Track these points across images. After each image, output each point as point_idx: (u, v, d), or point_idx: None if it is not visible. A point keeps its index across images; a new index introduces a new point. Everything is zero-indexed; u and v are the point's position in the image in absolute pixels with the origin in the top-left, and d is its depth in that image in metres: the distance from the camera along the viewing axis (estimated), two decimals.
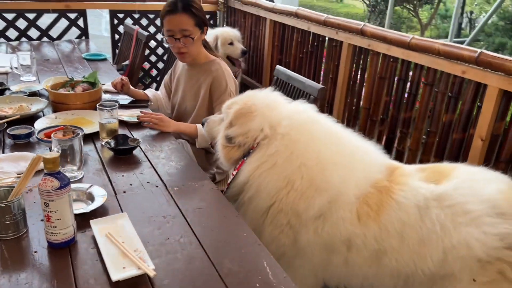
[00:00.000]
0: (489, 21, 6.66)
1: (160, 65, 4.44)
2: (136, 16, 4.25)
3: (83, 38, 4.13)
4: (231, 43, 3.64)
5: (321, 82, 3.25)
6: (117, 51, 4.16)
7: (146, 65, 4.51)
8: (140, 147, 1.84)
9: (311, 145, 1.64)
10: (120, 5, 4.19)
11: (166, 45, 2.19)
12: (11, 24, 3.88)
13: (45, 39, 4.01)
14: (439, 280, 1.48)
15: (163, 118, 2.02)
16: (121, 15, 4.22)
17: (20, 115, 1.99)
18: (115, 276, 1.07)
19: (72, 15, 4.06)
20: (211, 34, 3.75)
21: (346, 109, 3.02)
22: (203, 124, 1.89)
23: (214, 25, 4.62)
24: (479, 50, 2.00)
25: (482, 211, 1.42)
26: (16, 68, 2.68)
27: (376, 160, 1.71)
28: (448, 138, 2.29)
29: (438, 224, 1.46)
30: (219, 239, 1.27)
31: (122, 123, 2.08)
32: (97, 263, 1.15)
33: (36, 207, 1.35)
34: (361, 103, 2.88)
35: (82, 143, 1.57)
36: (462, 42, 5.65)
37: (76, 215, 1.32)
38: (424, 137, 2.43)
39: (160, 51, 4.44)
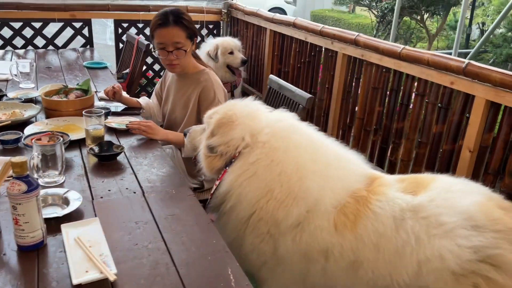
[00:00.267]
0: (498, 32, 6.60)
1: (163, 73, 4.49)
2: (140, 25, 4.32)
3: (88, 46, 4.21)
4: (231, 52, 3.68)
5: (318, 92, 3.25)
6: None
7: (150, 73, 4.57)
8: (125, 153, 1.87)
9: (291, 153, 1.65)
10: (124, 14, 4.27)
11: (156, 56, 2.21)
12: (17, 32, 3.98)
13: (50, 47, 4.10)
14: None
15: (152, 126, 2.04)
16: (125, 25, 4.29)
17: (11, 121, 2.04)
18: (76, 279, 1.08)
19: (77, 24, 4.14)
20: (211, 43, 3.80)
21: (341, 119, 3.02)
22: (185, 134, 1.91)
23: (217, 35, 4.67)
24: (466, 61, 1.99)
25: (456, 223, 1.40)
26: (15, 75, 2.74)
27: (356, 169, 1.70)
28: (438, 149, 2.27)
29: (413, 236, 1.45)
30: (187, 246, 1.28)
31: (111, 130, 2.12)
32: (62, 267, 1.16)
33: None
34: (356, 113, 2.87)
35: (63, 149, 1.59)
36: (468, 54, 5.60)
37: (50, 219, 1.35)
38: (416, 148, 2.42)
39: None
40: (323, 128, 3.22)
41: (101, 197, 1.52)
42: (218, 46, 3.69)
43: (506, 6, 5.69)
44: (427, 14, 8.59)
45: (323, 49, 3.11)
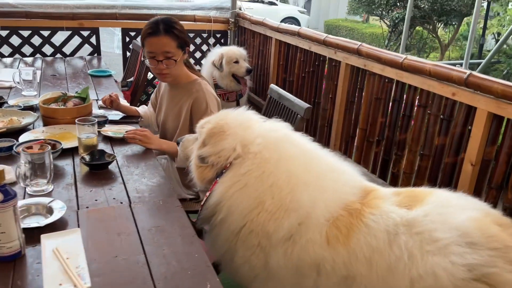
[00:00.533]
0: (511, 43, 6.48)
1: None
2: None
3: (95, 55, 4.25)
4: (236, 62, 3.67)
5: (321, 102, 3.21)
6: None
7: (158, 82, 4.57)
8: (117, 162, 1.85)
9: (282, 164, 1.61)
10: (132, 23, 4.29)
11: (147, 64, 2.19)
12: (26, 41, 4.03)
13: (58, 55, 4.14)
14: None
15: (148, 135, 2.02)
16: (132, 33, 4.32)
17: (7, 128, 2.04)
18: None
19: (85, 33, 4.18)
20: (217, 53, 3.80)
21: (344, 130, 2.97)
22: (178, 143, 1.88)
23: (225, 44, 4.67)
24: (468, 72, 1.94)
25: (451, 239, 1.34)
26: (18, 82, 2.76)
27: (350, 181, 1.65)
28: (441, 162, 2.21)
29: (406, 252, 1.39)
30: (168, 260, 1.25)
31: (107, 138, 2.10)
32: (37, 279, 1.14)
33: None
34: (358, 123, 2.82)
35: (51, 158, 1.58)
36: (480, 64, 5.51)
37: (31, 229, 1.33)
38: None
39: None
40: (327, 139, 3.17)
41: (87, 207, 1.50)
42: (223, 55, 3.68)
43: None
44: (439, 24, 8.49)
45: (327, 59, 3.07)
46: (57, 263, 1.17)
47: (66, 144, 1.93)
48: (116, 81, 3.48)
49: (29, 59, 3.83)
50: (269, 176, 1.59)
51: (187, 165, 2.04)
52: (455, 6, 7.73)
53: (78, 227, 1.37)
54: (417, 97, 2.31)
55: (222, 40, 4.71)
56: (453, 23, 8.50)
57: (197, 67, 4.65)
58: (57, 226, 1.37)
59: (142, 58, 2.17)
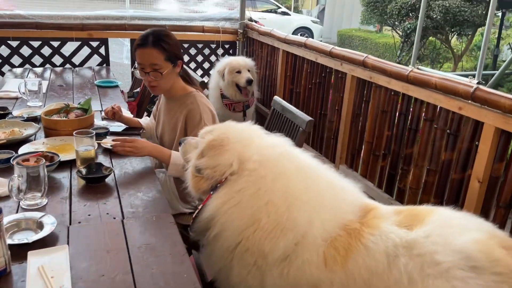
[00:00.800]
0: None
1: None
2: None
3: (104, 65, 4.27)
4: (238, 71, 3.65)
5: (328, 114, 3.17)
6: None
7: None
8: (114, 175, 1.83)
9: (279, 181, 1.56)
10: (140, 34, 4.30)
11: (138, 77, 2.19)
12: (36, 51, 4.08)
13: (68, 65, 4.18)
14: None
15: (137, 144, 1.95)
16: None
17: (7, 139, 2.04)
18: None
19: (94, 43, 4.21)
20: (222, 62, 3.81)
21: (351, 142, 2.92)
22: (180, 144, 1.85)
23: (233, 55, 4.66)
24: (475, 85, 1.87)
25: (453, 262, 1.28)
26: (23, 93, 2.77)
27: (350, 199, 1.60)
28: (448, 177, 2.14)
29: (406, 275, 1.33)
30: (156, 280, 1.21)
31: (107, 150, 2.08)
32: None
33: None
34: (365, 136, 2.77)
35: (46, 171, 1.56)
36: (494, 75, 5.40)
37: (20, 245, 1.31)
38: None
39: None
40: (333, 151, 3.12)
41: (79, 222, 1.48)
42: (226, 65, 3.69)
43: None
44: (452, 34, 8.38)
45: (333, 71, 3.03)
46: (41, 282, 1.14)
47: (65, 157, 1.92)
48: (122, 92, 3.48)
49: (38, 69, 3.86)
50: (265, 193, 1.54)
51: (179, 175, 1.99)
52: (468, 17, 7.62)
53: (68, 243, 1.35)
54: (424, 111, 2.25)
55: (230, 51, 4.71)
56: (467, 33, 8.38)
57: (206, 78, 4.67)
58: (47, 242, 1.34)
59: (132, 70, 2.17)
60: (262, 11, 14.75)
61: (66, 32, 4.07)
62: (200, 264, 1.99)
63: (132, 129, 2.41)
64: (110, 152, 2.08)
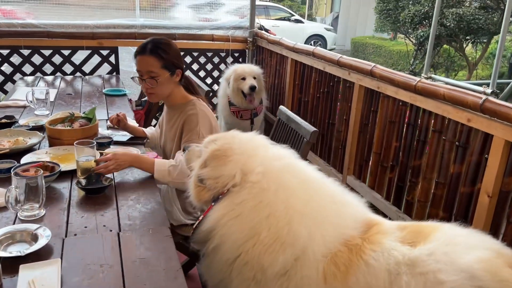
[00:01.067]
0: None
1: None
2: None
3: (114, 73, 4.29)
4: (243, 78, 3.65)
5: (336, 124, 3.12)
6: None
7: None
8: (114, 186, 1.81)
9: (281, 194, 1.53)
10: None
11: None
12: (47, 59, 4.12)
13: (78, 74, 4.21)
14: None
15: (118, 161, 1.84)
16: None
17: (10, 149, 2.04)
18: None
19: (104, 52, 4.24)
20: (229, 70, 3.81)
21: (358, 153, 2.86)
22: (184, 150, 1.82)
23: (243, 63, 4.65)
24: (484, 97, 1.82)
25: (457, 282, 1.23)
26: (31, 102, 2.79)
27: (352, 214, 1.56)
28: (457, 191, 2.07)
29: None
30: None
31: None
32: None
33: None
34: (373, 147, 2.71)
35: (44, 182, 1.55)
36: (509, 83, 5.29)
37: (14, 258, 1.29)
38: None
39: None
40: (341, 161, 3.07)
41: (75, 234, 1.46)
42: (233, 71, 3.70)
43: None
44: (466, 42, 8.26)
45: (341, 80, 2.99)
46: None
47: (66, 167, 1.91)
48: (130, 100, 3.49)
49: (49, 78, 3.89)
50: (266, 206, 1.51)
51: (165, 181, 1.93)
52: (483, 24, 7.50)
53: (62, 256, 1.33)
54: (432, 122, 2.20)
55: (240, 59, 4.70)
56: (482, 41, 8.25)
57: (215, 86, 4.67)
58: (41, 254, 1.33)
59: (131, 77, 2.18)
60: (276, 19, 14.77)
61: (76, 41, 4.10)
62: (202, 274, 1.96)
63: (137, 139, 2.40)
64: None
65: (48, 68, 4.16)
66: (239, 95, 3.69)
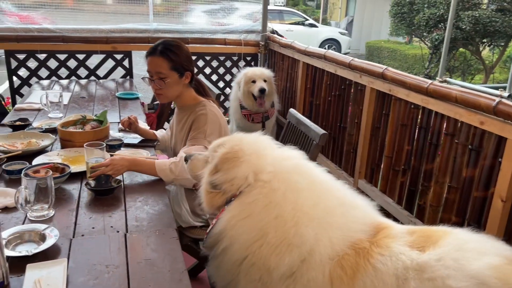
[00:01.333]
0: None
1: None
2: None
3: (127, 77, 4.34)
4: (253, 81, 3.67)
5: (347, 127, 3.10)
6: None
7: None
8: (123, 187, 1.82)
9: (289, 196, 1.52)
10: None
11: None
12: (63, 64, 4.19)
13: (92, 77, 4.27)
14: None
15: (114, 166, 1.82)
16: None
17: (22, 151, 2.07)
18: None
19: (118, 56, 4.29)
20: (241, 72, 3.84)
21: (370, 156, 2.83)
22: (186, 160, 1.81)
23: (255, 66, 4.65)
24: (497, 99, 1.78)
25: None
26: (45, 104, 2.83)
27: (361, 217, 1.53)
28: (470, 195, 2.03)
29: None
30: None
31: None
32: None
33: None
34: (384, 150, 2.68)
35: (53, 183, 1.57)
36: None
37: (21, 257, 1.30)
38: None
39: None
40: (352, 165, 3.04)
41: (82, 235, 1.47)
42: (243, 75, 3.71)
43: None
44: (483, 45, 8.13)
45: (353, 83, 2.97)
46: None
47: (76, 168, 1.93)
48: (142, 104, 3.52)
49: (64, 82, 3.95)
50: (275, 207, 1.50)
51: (170, 180, 1.93)
52: (500, 27, 7.38)
53: (69, 256, 1.34)
54: (444, 125, 2.16)
55: (252, 63, 4.70)
56: (499, 44, 8.12)
57: (227, 90, 4.68)
58: (48, 254, 1.34)
59: (142, 78, 2.21)
60: (290, 23, 14.78)
61: (91, 45, 4.16)
62: (211, 276, 1.95)
63: (147, 141, 2.42)
64: None
65: (63, 72, 4.22)
66: (249, 98, 3.70)
